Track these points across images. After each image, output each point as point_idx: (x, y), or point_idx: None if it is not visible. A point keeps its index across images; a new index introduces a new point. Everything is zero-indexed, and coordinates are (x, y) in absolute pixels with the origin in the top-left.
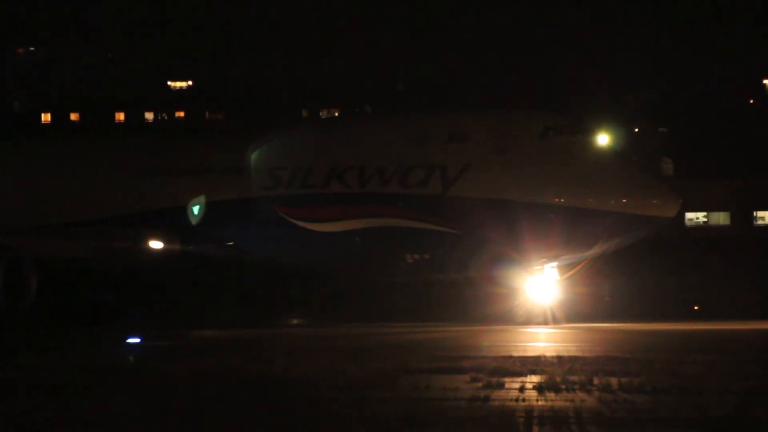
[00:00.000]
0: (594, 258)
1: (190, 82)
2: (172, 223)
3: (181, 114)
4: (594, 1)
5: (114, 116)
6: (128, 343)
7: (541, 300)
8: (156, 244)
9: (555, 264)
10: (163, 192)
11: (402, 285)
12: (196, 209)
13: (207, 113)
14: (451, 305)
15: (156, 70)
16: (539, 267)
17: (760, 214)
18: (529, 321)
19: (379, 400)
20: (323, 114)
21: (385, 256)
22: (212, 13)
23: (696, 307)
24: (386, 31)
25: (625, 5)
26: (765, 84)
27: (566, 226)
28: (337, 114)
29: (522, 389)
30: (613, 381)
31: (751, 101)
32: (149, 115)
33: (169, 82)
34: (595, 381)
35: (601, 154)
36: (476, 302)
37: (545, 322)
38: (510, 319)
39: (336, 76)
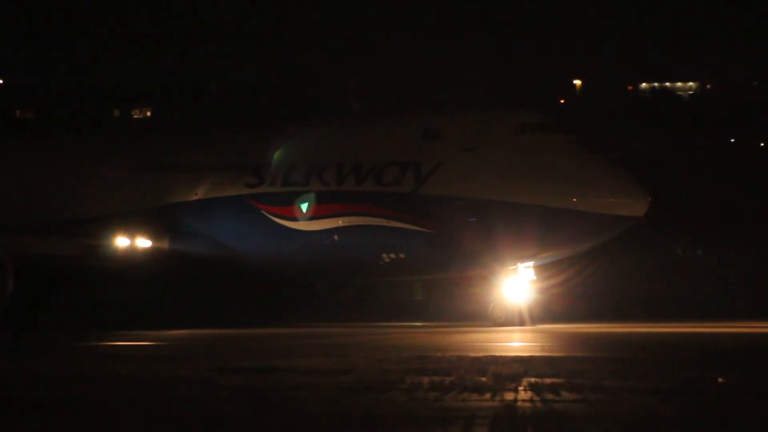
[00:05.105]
0: (569, 258)
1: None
2: (154, 222)
3: None
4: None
5: None
6: None
7: (513, 300)
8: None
9: (530, 264)
10: (149, 190)
11: (378, 285)
12: (180, 208)
13: (18, 112)
14: (410, 305)
15: None
16: (513, 267)
17: None
18: (505, 322)
19: (180, 400)
20: (135, 113)
21: (362, 255)
22: (22, 7)
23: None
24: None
25: (434, 3)
26: (576, 84)
27: (539, 226)
28: (149, 113)
29: (329, 388)
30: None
31: (562, 101)
32: None
33: None
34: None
35: (577, 151)
36: (434, 302)
37: (521, 323)
38: (478, 319)
39: (151, 74)
